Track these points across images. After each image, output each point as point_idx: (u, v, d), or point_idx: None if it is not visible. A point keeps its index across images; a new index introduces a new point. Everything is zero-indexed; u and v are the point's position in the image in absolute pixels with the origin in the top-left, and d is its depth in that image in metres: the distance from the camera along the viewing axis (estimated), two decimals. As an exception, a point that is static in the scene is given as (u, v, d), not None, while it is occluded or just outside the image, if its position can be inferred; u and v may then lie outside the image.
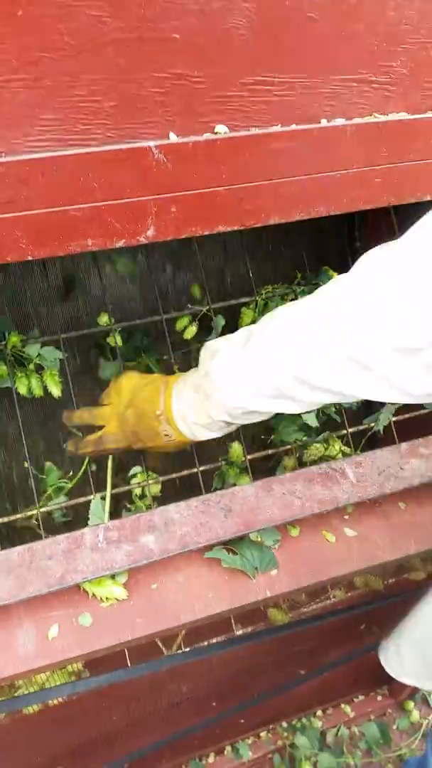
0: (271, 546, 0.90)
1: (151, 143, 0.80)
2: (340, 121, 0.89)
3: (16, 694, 1.09)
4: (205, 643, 1.28)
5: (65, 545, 0.82)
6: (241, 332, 0.92)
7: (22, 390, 1.24)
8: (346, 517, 0.95)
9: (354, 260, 0.90)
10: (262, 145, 0.85)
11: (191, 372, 0.99)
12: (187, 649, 1.24)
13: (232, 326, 1.36)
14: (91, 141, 0.78)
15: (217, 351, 0.91)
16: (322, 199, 0.94)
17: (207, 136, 0.82)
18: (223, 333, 1.34)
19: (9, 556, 0.80)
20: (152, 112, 0.79)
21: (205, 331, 1.37)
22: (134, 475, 1.32)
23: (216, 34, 0.76)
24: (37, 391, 1.25)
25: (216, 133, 0.82)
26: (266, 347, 0.84)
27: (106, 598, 0.83)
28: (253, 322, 1.39)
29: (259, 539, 0.91)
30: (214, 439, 0.97)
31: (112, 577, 0.84)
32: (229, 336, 0.93)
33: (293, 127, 0.87)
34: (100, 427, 1.06)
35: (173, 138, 0.81)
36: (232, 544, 0.89)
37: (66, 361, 1.25)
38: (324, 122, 0.88)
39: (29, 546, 0.81)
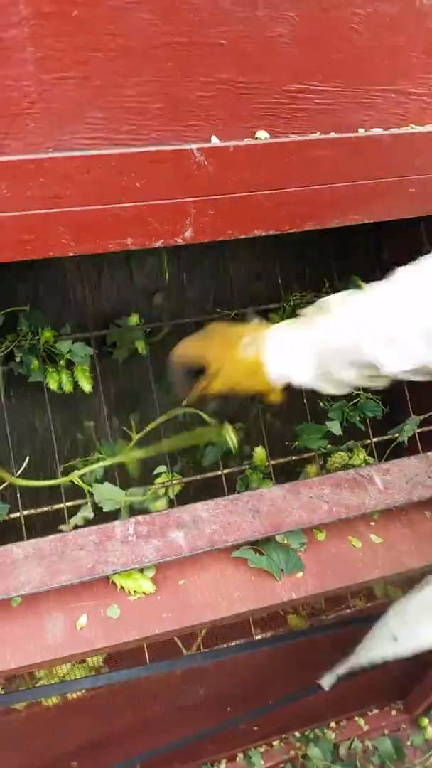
0: (297, 549, 0.91)
1: (194, 146, 0.81)
2: (377, 131, 0.90)
3: (36, 685, 1.10)
4: (224, 645, 1.29)
5: (96, 537, 0.84)
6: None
7: (53, 385, 1.26)
8: (373, 523, 0.95)
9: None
10: (300, 152, 0.87)
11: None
12: (206, 651, 1.25)
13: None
14: (136, 141, 0.80)
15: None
16: (357, 207, 0.95)
17: (248, 140, 0.84)
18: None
19: (41, 545, 0.82)
20: (197, 116, 0.81)
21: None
22: (158, 475, 1.34)
23: (261, 41, 0.77)
24: (68, 387, 1.27)
25: (257, 138, 0.84)
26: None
27: (134, 591, 0.84)
28: None
29: (285, 541, 0.91)
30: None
31: (141, 570, 0.86)
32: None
33: (332, 135, 0.88)
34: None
35: (215, 141, 0.83)
36: (258, 545, 0.90)
37: (95, 358, 1.27)
38: (362, 131, 0.89)
39: (61, 535, 0.83)
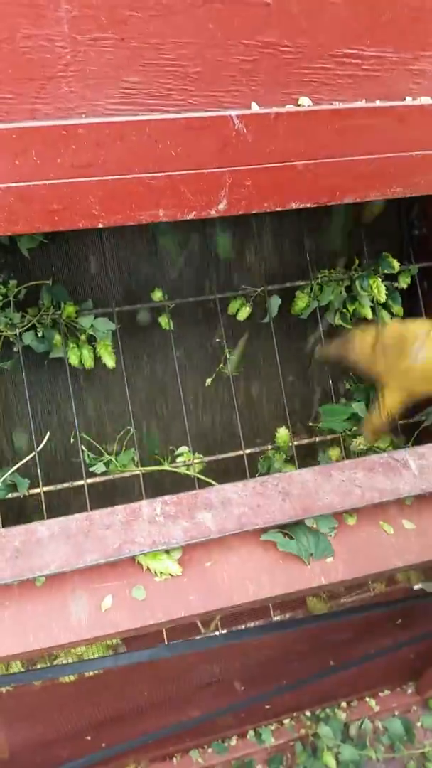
0: (327, 533, 0.89)
1: (233, 112, 0.78)
2: (426, 100, 0.85)
3: (54, 663, 1.09)
4: (243, 626, 1.28)
5: (123, 516, 0.82)
6: None
7: (74, 360, 1.23)
8: (405, 509, 0.93)
9: (413, 248, 0.89)
10: (344, 121, 0.82)
11: None
12: (225, 631, 1.24)
13: (284, 309, 1.33)
14: (173, 107, 0.76)
15: None
16: (400, 179, 0.91)
17: (289, 107, 0.80)
18: (279, 315, 1.32)
19: (67, 524, 0.80)
20: (237, 81, 0.76)
21: (259, 313, 1.35)
22: (180, 454, 1.32)
23: (309, 3, 0.73)
24: (88, 363, 1.25)
25: (299, 105, 0.80)
26: None
27: (161, 573, 0.83)
28: (307, 306, 1.36)
29: (314, 525, 0.89)
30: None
31: (167, 552, 0.84)
32: None
33: (377, 103, 0.84)
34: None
35: (255, 108, 0.79)
36: (287, 529, 0.88)
37: (117, 333, 1.24)
38: (409, 100, 0.85)
39: (88, 514, 0.81)
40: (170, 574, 0.83)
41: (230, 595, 0.84)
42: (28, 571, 0.77)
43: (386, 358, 1.03)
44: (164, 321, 1.31)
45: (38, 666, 1.08)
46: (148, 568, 0.83)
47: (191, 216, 0.86)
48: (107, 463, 1.19)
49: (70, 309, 1.22)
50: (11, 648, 0.77)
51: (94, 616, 0.81)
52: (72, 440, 1.41)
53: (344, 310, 1.34)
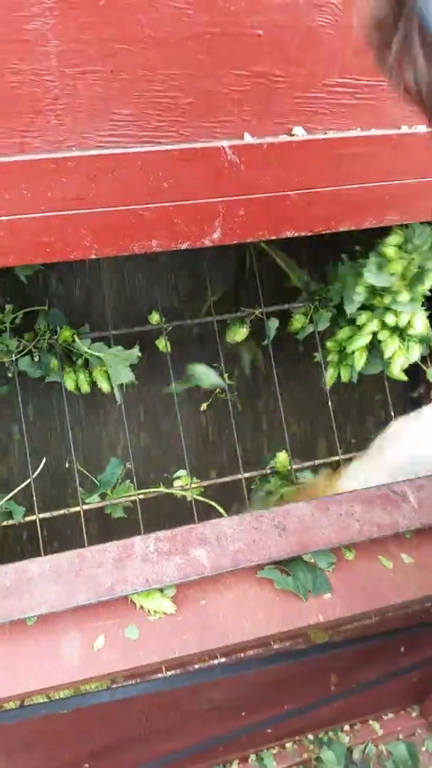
0: (324, 569, 0.87)
1: (225, 143, 0.76)
2: (420, 128, 0.84)
3: (52, 698, 1.07)
4: (241, 655, 1.25)
5: (115, 553, 0.80)
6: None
7: (70, 385, 1.22)
8: (405, 542, 0.91)
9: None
10: (338, 149, 0.81)
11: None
12: (223, 660, 1.22)
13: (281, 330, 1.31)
14: (164, 138, 0.75)
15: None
16: (396, 206, 0.90)
17: (282, 137, 0.79)
18: (277, 337, 1.30)
19: (58, 561, 0.78)
20: (229, 111, 0.75)
21: (258, 334, 1.33)
22: (177, 478, 1.30)
23: (301, 32, 0.72)
24: (84, 387, 1.24)
25: (292, 135, 0.79)
26: None
27: (155, 611, 0.81)
28: (303, 328, 1.34)
29: (312, 561, 0.87)
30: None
31: (161, 590, 0.82)
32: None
33: (372, 131, 0.83)
34: None
35: (248, 138, 0.78)
36: (284, 564, 0.86)
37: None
38: (404, 128, 0.84)
39: (79, 552, 0.79)
40: (164, 613, 0.82)
41: (226, 633, 0.82)
42: (18, 611, 0.76)
43: None
44: (161, 344, 1.29)
45: (35, 700, 1.06)
46: (141, 607, 0.81)
47: (185, 246, 0.85)
48: (102, 495, 1.17)
49: (66, 333, 1.20)
50: (3, 690, 0.75)
51: (86, 656, 0.79)
52: (68, 464, 1.40)
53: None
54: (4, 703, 0.89)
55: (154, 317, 1.29)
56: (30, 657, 0.78)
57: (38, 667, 0.78)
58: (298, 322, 1.35)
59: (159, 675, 1.11)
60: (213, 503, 1.16)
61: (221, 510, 1.17)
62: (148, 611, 0.81)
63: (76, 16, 0.64)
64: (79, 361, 1.24)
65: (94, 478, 1.23)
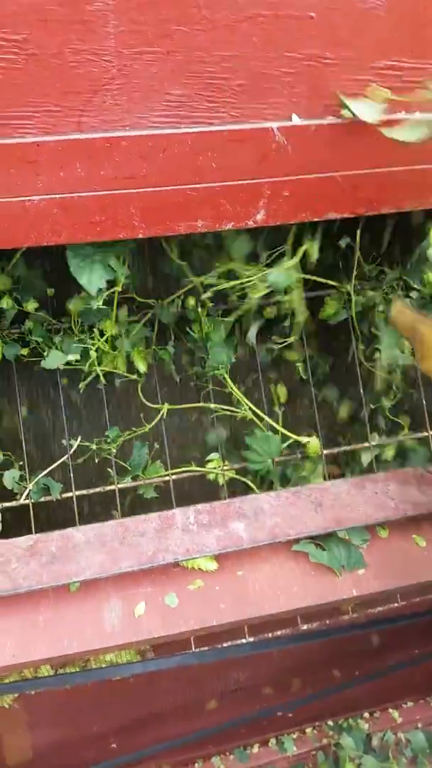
0: (359, 545, 0.88)
1: (274, 124, 0.78)
2: (466, 111, 0.85)
3: (85, 666, 1.10)
4: (269, 635, 1.28)
5: (157, 524, 0.82)
6: None
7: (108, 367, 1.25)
8: (439, 521, 0.92)
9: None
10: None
11: None
12: (252, 639, 1.24)
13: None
14: (215, 119, 0.77)
15: None
16: None
17: (330, 119, 0.80)
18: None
19: (102, 530, 0.81)
20: (279, 93, 0.77)
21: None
22: (210, 461, 1.32)
23: (353, 15, 0.73)
24: (121, 367, 1.26)
25: (340, 117, 0.80)
26: None
27: (198, 568, 0.83)
28: (336, 313, 1.34)
29: (347, 537, 0.89)
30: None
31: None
32: None
33: (417, 115, 0.84)
34: None
35: (296, 120, 0.79)
36: (320, 539, 0.87)
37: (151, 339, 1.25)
38: (449, 111, 0.84)
39: (122, 521, 0.82)
40: (208, 570, 0.84)
41: (261, 604, 0.84)
42: (64, 576, 0.78)
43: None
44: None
45: (68, 669, 1.09)
46: (192, 567, 0.84)
47: (230, 226, 0.86)
48: (135, 477, 1.20)
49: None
50: (46, 652, 0.78)
51: (127, 622, 0.81)
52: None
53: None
54: (42, 665, 0.92)
55: (190, 302, 1.30)
56: (73, 621, 0.81)
57: (81, 631, 0.80)
58: (330, 307, 1.35)
59: (189, 650, 1.14)
60: (248, 482, 1.17)
61: (256, 490, 1.19)
62: (193, 567, 0.84)
63: (136, -3, 0.66)
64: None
65: (126, 465, 1.25)
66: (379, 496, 0.87)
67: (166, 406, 1.23)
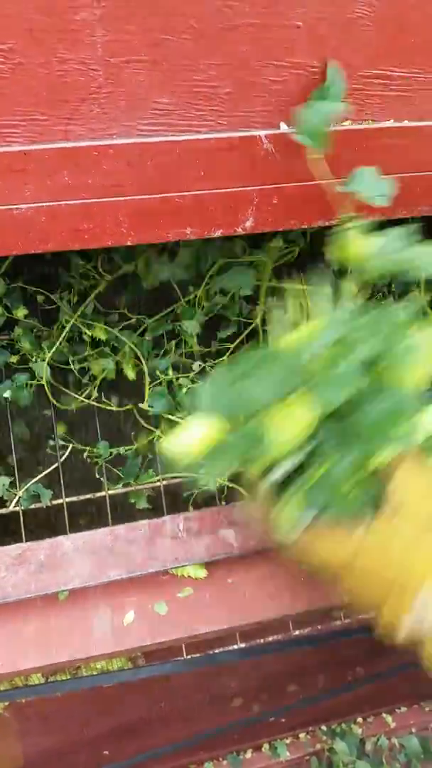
0: (349, 551, 0.88)
1: (262, 132, 0.78)
2: (450, 121, 0.85)
3: (75, 674, 1.10)
4: (261, 641, 1.27)
5: (146, 531, 0.82)
6: None
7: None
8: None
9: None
10: (371, 140, 0.83)
11: None
12: (243, 645, 1.24)
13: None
14: (202, 128, 0.77)
15: None
16: (426, 198, 0.91)
17: (318, 128, 0.80)
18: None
19: (92, 538, 0.81)
20: (266, 101, 0.77)
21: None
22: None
23: (340, 24, 0.74)
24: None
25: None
26: None
27: (188, 576, 0.83)
28: None
29: (337, 543, 0.89)
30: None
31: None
32: None
33: (405, 123, 0.84)
34: None
35: (284, 128, 0.79)
36: (310, 546, 0.87)
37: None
38: (436, 120, 0.85)
39: (112, 529, 0.82)
40: (194, 577, 0.84)
41: (252, 612, 0.84)
42: (52, 585, 0.78)
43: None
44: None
45: (59, 677, 1.09)
46: (182, 575, 0.84)
47: (218, 234, 0.87)
48: (126, 485, 1.20)
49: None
50: (35, 661, 0.78)
51: (116, 630, 0.81)
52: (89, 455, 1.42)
53: None
54: (32, 674, 0.92)
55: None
56: (62, 630, 0.81)
57: (70, 639, 0.80)
58: None
59: (180, 657, 1.14)
60: (237, 486, 1.17)
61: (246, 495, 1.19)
62: (181, 576, 0.84)
63: (123, 6, 0.66)
64: (107, 349, 1.26)
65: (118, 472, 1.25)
66: (369, 502, 0.87)
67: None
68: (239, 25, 0.71)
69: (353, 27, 0.74)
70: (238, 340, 1.23)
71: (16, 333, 1.11)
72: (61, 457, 1.22)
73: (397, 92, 0.81)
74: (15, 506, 1.06)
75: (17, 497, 1.08)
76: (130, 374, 1.26)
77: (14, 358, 1.11)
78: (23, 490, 1.12)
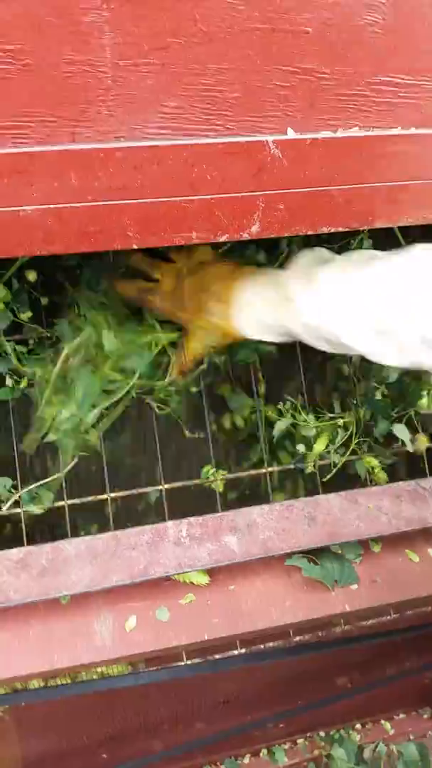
0: (352, 560, 0.88)
1: (269, 138, 0.78)
2: (460, 128, 0.85)
3: (76, 678, 1.09)
4: (261, 647, 1.27)
5: (149, 536, 0.82)
6: (362, 253, 0.88)
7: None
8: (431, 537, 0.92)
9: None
10: (379, 147, 0.83)
11: (278, 270, 0.92)
12: (243, 651, 1.23)
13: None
14: (210, 132, 0.77)
15: (330, 261, 0.87)
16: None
17: (325, 133, 0.80)
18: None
19: (94, 543, 0.80)
20: (274, 106, 0.77)
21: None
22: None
23: (349, 30, 0.73)
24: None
25: (335, 131, 0.80)
26: (391, 276, 0.82)
27: (190, 582, 0.83)
28: None
29: (340, 552, 0.88)
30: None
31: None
32: (346, 253, 0.89)
33: (412, 130, 0.84)
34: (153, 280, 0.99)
35: (291, 134, 0.79)
36: (313, 554, 0.87)
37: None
38: (444, 127, 0.85)
39: (114, 534, 0.81)
40: (196, 584, 0.83)
41: (253, 619, 0.84)
42: (54, 589, 0.78)
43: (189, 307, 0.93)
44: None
45: (59, 681, 1.08)
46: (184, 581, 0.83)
47: (224, 238, 0.86)
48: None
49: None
50: (36, 666, 0.77)
51: (118, 636, 0.81)
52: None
53: None
54: (32, 679, 0.91)
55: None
56: (63, 635, 0.80)
57: (71, 645, 0.80)
58: None
59: (180, 663, 1.13)
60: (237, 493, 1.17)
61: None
62: (185, 582, 0.83)
63: (131, 8, 0.66)
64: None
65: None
66: (373, 511, 0.87)
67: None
68: (248, 29, 0.70)
69: (363, 33, 0.74)
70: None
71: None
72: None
73: (405, 99, 0.81)
74: (16, 508, 1.05)
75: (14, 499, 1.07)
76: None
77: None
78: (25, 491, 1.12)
